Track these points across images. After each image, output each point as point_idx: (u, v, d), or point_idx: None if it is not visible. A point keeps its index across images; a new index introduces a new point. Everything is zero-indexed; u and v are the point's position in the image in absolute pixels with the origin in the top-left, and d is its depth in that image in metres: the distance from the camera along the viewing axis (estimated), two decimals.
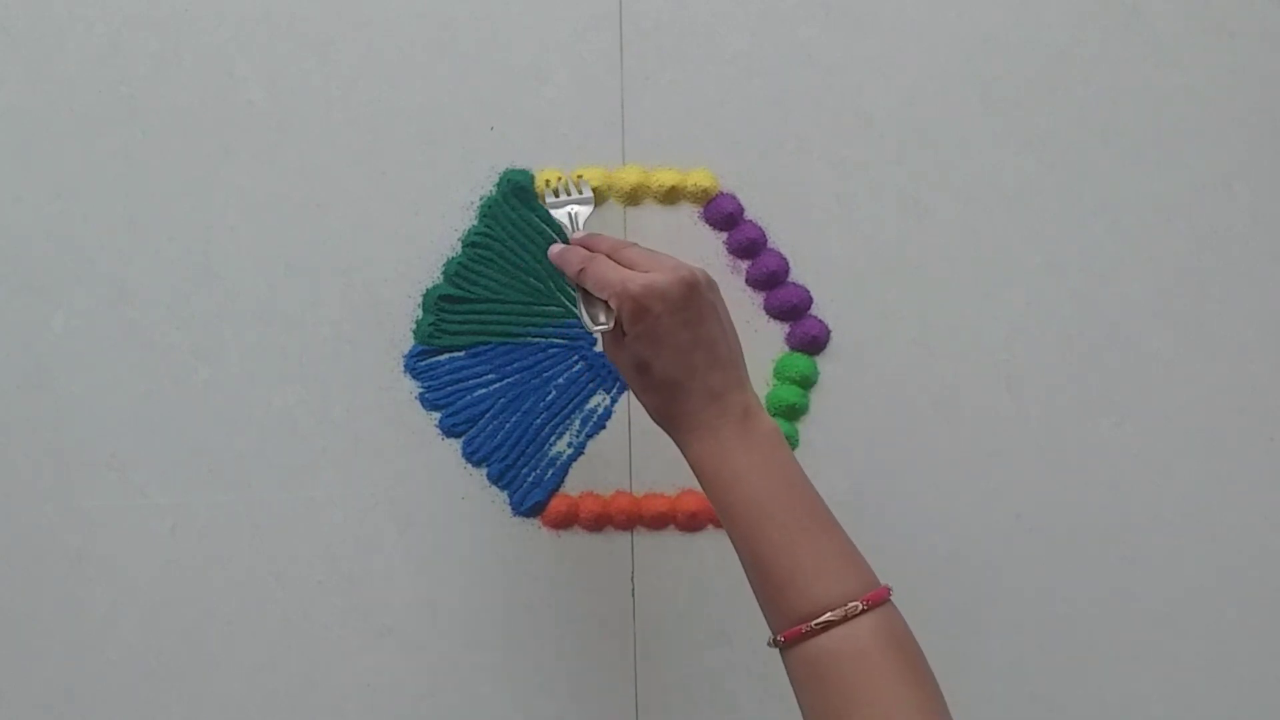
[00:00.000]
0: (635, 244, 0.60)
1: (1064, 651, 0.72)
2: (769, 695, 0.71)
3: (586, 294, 0.58)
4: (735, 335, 0.58)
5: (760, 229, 0.70)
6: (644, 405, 0.58)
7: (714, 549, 0.71)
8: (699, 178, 0.69)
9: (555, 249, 0.62)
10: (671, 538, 0.71)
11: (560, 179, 0.67)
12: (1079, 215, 0.71)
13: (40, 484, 0.69)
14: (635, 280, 0.55)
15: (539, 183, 0.68)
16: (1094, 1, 0.71)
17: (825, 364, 0.71)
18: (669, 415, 0.57)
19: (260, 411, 0.69)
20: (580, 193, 0.66)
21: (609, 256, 0.58)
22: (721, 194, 0.70)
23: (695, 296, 0.55)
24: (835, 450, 0.71)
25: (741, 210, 0.70)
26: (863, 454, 0.71)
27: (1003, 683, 0.72)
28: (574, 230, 0.65)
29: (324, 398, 0.69)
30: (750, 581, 0.55)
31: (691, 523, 0.70)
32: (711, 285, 0.57)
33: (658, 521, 0.70)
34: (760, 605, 0.54)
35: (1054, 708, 0.72)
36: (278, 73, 0.69)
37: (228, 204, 0.69)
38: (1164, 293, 0.72)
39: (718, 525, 0.70)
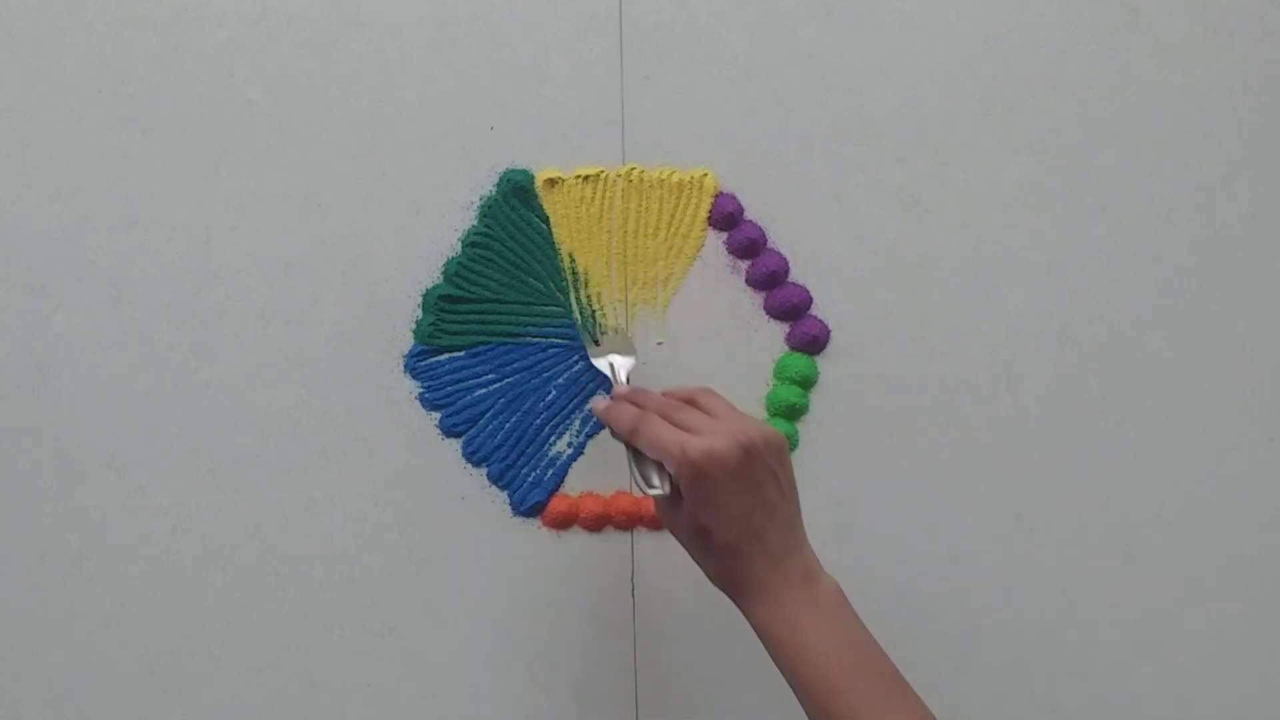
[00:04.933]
0: (686, 402, 0.58)
1: (1064, 651, 0.72)
2: (769, 695, 0.71)
3: (638, 452, 0.58)
4: (794, 494, 0.57)
5: (760, 229, 0.70)
6: (704, 570, 0.57)
7: None
8: (699, 178, 0.69)
9: (600, 404, 0.62)
10: (671, 538, 0.71)
11: (605, 328, 0.67)
12: (1079, 215, 0.71)
13: (40, 484, 0.69)
14: (694, 446, 0.54)
15: (580, 330, 0.68)
16: (1094, 1, 0.71)
17: (825, 364, 0.71)
18: (730, 580, 0.56)
19: (260, 411, 0.69)
20: (621, 340, 0.67)
21: (661, 415, 0.57)
22: (721, 194, 0.70)
23: (754, 461, 0.55)
24: (835, 450, 0.71)
25: (741, 210, 0.70)
26: (863, 454, 0.71)
27: (1003, 683, 0.72)
28: (616, 382, 0.64)
29: (324, 398, 0.69)
30: None
31: None
32: (770, 444, 0.56)
33: (658, 521, 0.70)
34: None
35: (1054, 708, 0.72)
36: (278, 73, 0.69)
37: (228, 204, 0.69)
38: (1164, 293, 0.72)
39: None
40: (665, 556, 0.71)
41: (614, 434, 0.61)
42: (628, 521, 0.70)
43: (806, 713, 0.54)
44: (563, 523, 0.70)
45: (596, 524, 0.70)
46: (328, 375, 0.69)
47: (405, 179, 0.69)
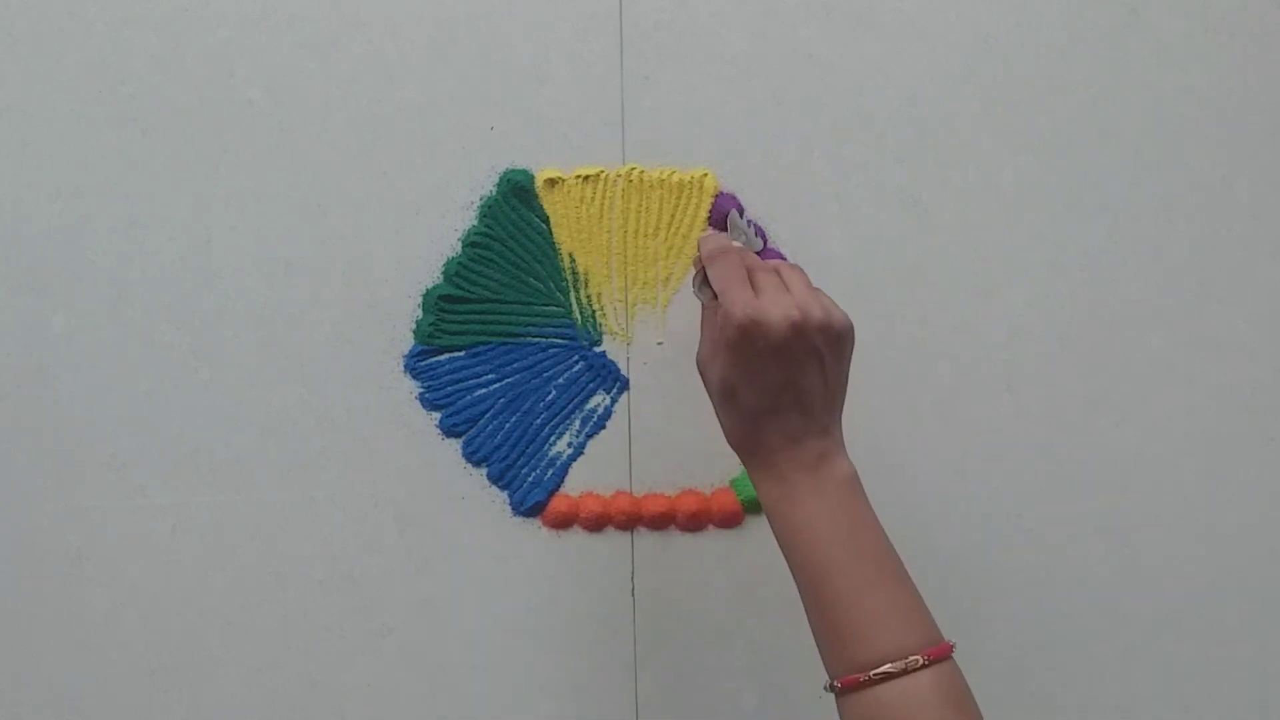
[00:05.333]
0: (776, 268, 0.59)
1: (1064, 651, 0.72)
2: (769, 696, 0.71)
3: (705, 278, 0.59)
4: (839, 383, 0.57)
5: (760, 229, 0.70)
6: (722, 427, 0.58)
7: (714, 549, 0.71)
8: (699, 178, 0.69)
9: (704, 235, 0.63)
10: (671, 538, 0.71)
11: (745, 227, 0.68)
12: (1079, 215, 0.71)
13: (40, 484, 0.69)
14: (745, 307, 0.55)
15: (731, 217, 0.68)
16: (1094, 1, 0.71)
17: None
18: (744, 446, 0.57)
19: (260, 411, 0.69)
20: (759, 238, 0.68)
21: (747, 267, 0.58)
22: (721, 194, 0.70)
23: (799, 340, 0.55)
24: None
25: (741, 210, 0.70)
26: (863, 454, 0.71)
27: (1003, 683, 0.72)
28: (734, 237, 0.65)
29: (324, 398, 0.69)
30: (811, 625, 0.54)
31: (692, 523, 0.70)
32: (827, 330, 0.55)
33: (658, 521, 0.70)
34: (819, 650, 0.54)
35: (1054, 708, 0.72)
36: (278, 73, 0.68)
37: (228, 204, 0.69)
38: (1164, 293, 0.72)
39: (718, 525, 0.70)
40: (665, 556, 0.71)
41: (694, 263, 0.61)
42: (628, 521, 0.70)
43: (799, 591, 0.55)
44: (563, 523, 0.70)
45: (596, 524, 0.70)
46: (328, 375, 0.69)
47: (405, 179, 0.69)
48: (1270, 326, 0.72)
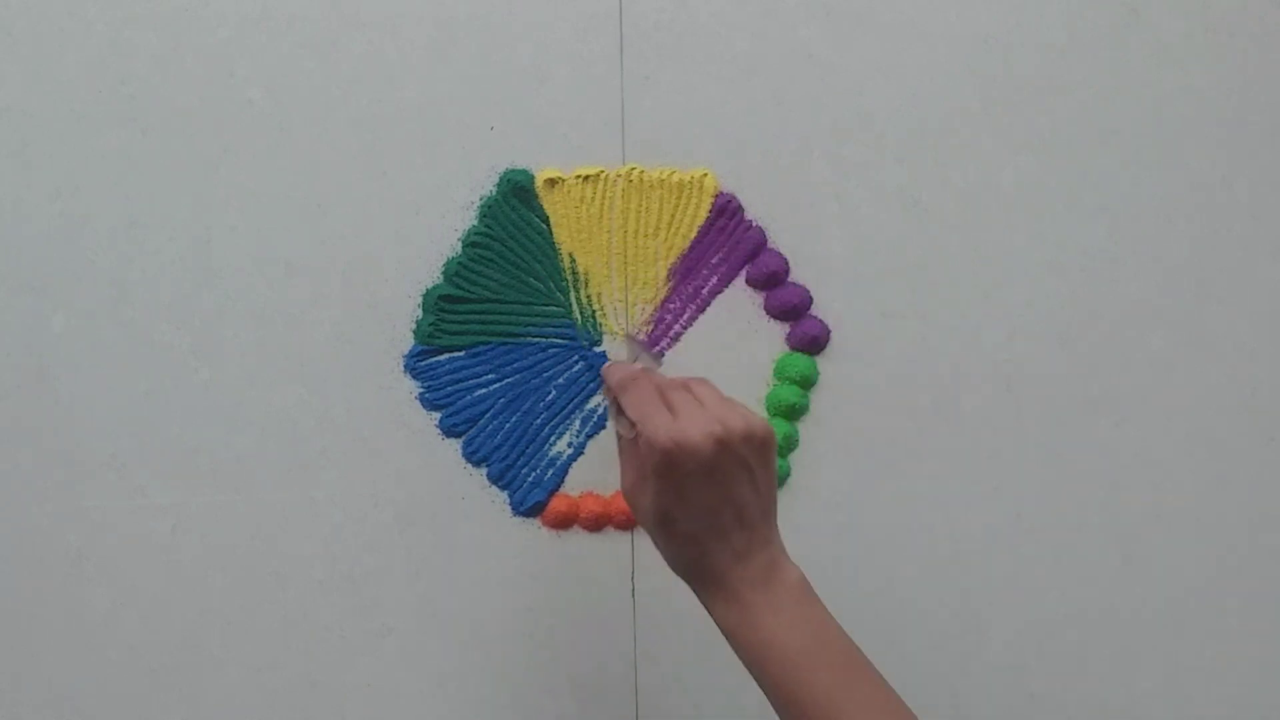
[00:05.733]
0: (687, 386, 0.58)
1: (1064, 651, 0.72)
2: None
3: (619, 409, 0.58)
4: (770, 490, 0.56)
5: (760, 229, 0.70)
6: (664, 556, 0.57)
7: None
8: (699, 178, 0.69)
9: (608, 365, 0.64)
10: None
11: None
12: (1079, 215, 0.71)
13: (40, 484, 0.69)
14: (666, 431, 0.53)
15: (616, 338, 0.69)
16: (1094, 1, 0.71)
17: (825, 364, 0.71)
18: (690, 572, 0.56)
19: (260, 411, 0.69)
20: (654, 357, 0.67)
21: (658, 389, 0.57)
22: (721, 194, 0.70)
23: (726, 455, 0.54)
24: (835, 450, 0.71)
25: (741, 210, 0.70)
26: (863, 454, 0.71)
27: (1003, 683, 0.72)
28: (631, 359, 0.65)
29: (324, 398, 0.69)
30: None
31: None
32: (750, 438, 0.54)
33: None
34: None
35: (1054, 708, 0.72)
36: (278, 73, 0.69)
37: (228, 204, 0.69)
38: (1164, 293, 0.72)
39: None
40: None
41: (607, 393, 0.60)
42: (628, 521, 0.70)
43: (773, 706, 0.54)
44: (563, 523, 0.70)
45: (596, 524, 0.70)
46: (328, 375, 0.69)
47: (405, 179, 0.69)
48: (1270, 326, 0.72)
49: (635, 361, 0.64)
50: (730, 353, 0.70)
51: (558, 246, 0.70)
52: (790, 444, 0.70)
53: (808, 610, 0.54)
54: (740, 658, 0.54)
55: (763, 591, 0.54)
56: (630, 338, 0.69)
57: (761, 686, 0.54)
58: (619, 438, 0.59)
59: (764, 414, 0.71)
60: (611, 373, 0.61)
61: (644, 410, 0.55)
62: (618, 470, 0.70)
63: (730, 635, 0.54)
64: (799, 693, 0.52)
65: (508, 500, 0.70)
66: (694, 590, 0.56)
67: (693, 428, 0.53)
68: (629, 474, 0.57)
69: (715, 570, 0.54)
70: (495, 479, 0.70)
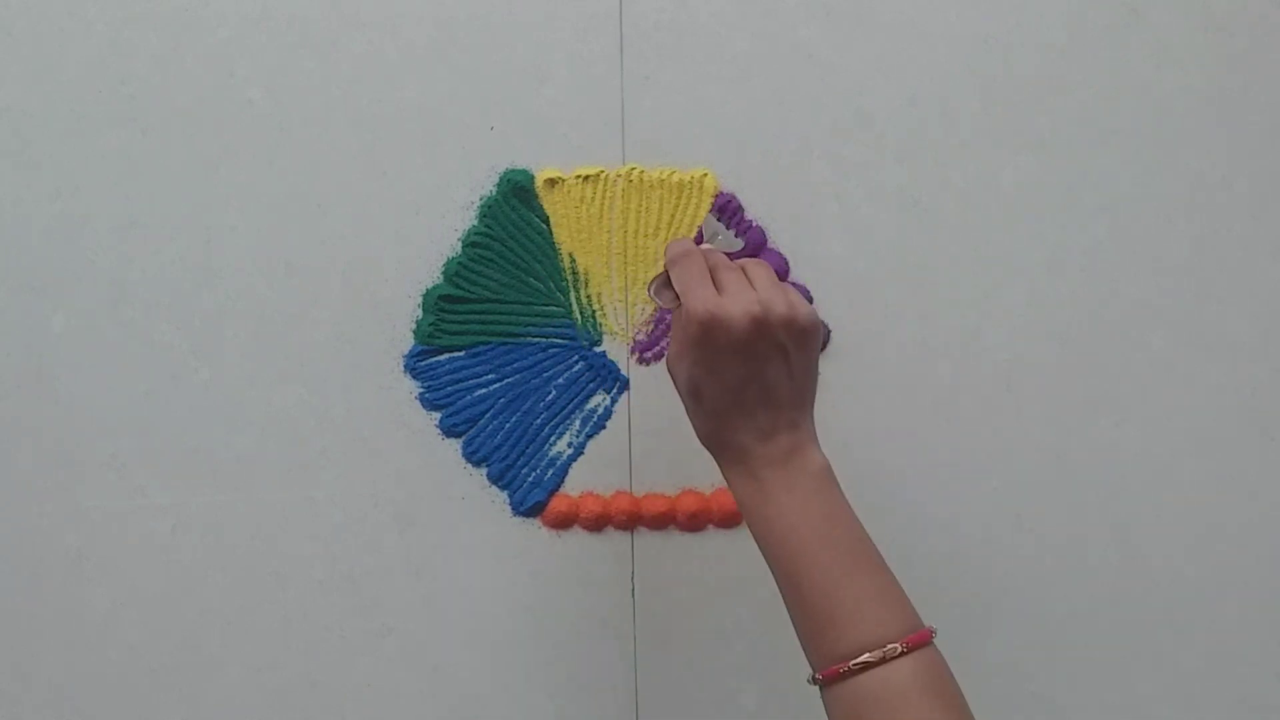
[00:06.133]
0: (743, 265, 0.58)
1: (1064, 651, 0.72)
2: (769, 696, 0.71)
3: (667, 279, 0.59)
4: (806, 378, 0.57)
5: (760, 229, 0.70)
6: (693, 425, 0.58)
7: (714, 549, 0.71)
8: (699, 178, 0.69)
9: (671, 241, 0.63)
10: (671, 538, 0.71)
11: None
12: (1079, 215, 0.71)
13: (40, 484, 0.69)
14: (705, 303, 0.54)
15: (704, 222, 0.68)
16: (1094, 1, 0.71)
17: (825, 364, 0.71)
18: (714, 443, 0.57)
19: (260, 411, 0.69)
20: (736, 241, 0.67)
21: (710, 267, 0.58)
22: (721, 194, 0.70)
23: (761, 336, 0.54)
24: (835, 450, 0.70)
25: (741, 210, 0.70)
26: (863, 454, 0.71)
27: (1003, 683, 0.72)
28: (710, 236, 0.65)
29: (324, 398, 0.69)
30: (791, 619, 0.54)
31: (692, 523, 0.70)
32: (791, 324, 0.55)
33: (658, 521, 0.70)
34: (801, 643, 0.54)
35: (1054, 708, 0.72)
36: (278, 73, 0.69)
37: (228, 204, 0.69)
38: (1164, 293, 0.72)
39: (718, 525, 0.71)
40: (665, 556, 0.71)
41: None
42: (628, 521, 0.70)
43: (777, 586, 0.54)
44: (563, 523, 0.70)
45: (596, 524, 0.70)
46: (328, 375, 0.69)
47: (405, 179, 0.69)
48: (1270, 326, 0.72)
49: (716, 237, 0.64)
50: None
51: (558, 246, 0.70)
52: None
53: (824, 494, 0.55)
54: (751, 531, 0.55)
55: (781, 470, 0.55)
56: (711, 215, 0.68)
57: (767, 560, 0.55)
58: (673, 312, 0.59)
59: None
60: (671, 247, 0.60)
61: (689, 283, 0.56)
62: (617, 469, 0.70)
63: (743, 507, 0.56)
64: (799, 572, 0.53)
65: (508, 500, 0.70)
66: (717, 461, 0.57)
67: (733, 304, 0.54)
68: (674, 344, 0.58)
69: (738, 445, 0.55)
70: (495, 479, 0.70)
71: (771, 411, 0.55)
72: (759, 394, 0.55)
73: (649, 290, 0.60)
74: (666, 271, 0.59)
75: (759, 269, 0.58)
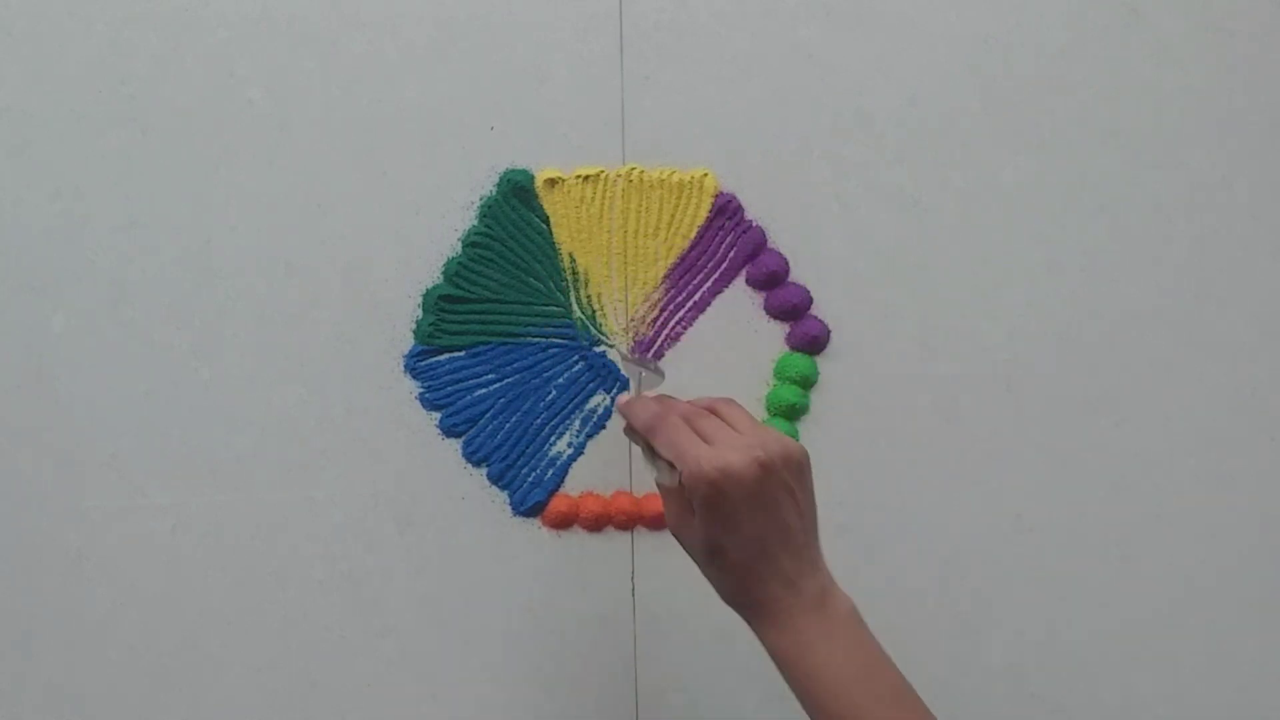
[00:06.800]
0: (714, 410, 0.57)
1: (1064, 651, 0.72)
2: (769, 695, 0.71)
3: (651, 449, 0.57)
4: (812, 513, 0.56)
5: (760, 229, 0.70)
6: (715, 588, 0.56)
7: None
8: (699, 178, 0.69)
9: (623, 399, 0.61)
10: (672, 538, 0.71)
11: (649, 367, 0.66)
12: (1079, 215, 0.71)
13: (40, 484, 0.69)
14: (710, 460, 0.53)
15: (618, 349, 0.68)
16: (1094, 1, 0.71)
17: (825, 364, 0.71)
18: (743, 601, 0.55)
19: (260, 411, 0.69)
20: (654, 370, 0.65)
21: (683, 419, 0.56)
22: (721, 194, 0.70)
23: (771, 480, 0.53)
24: (835, 450, 0.71)
25: (741, 210, 0.70)
26: (863, 454, 0.71)
27: (1003, 683, 0.72)
28: (638, 390, 0.63)
29: (324, 398, 0.69)
30: None
31: None
32: (790, 461, 0.54)
33: (658, 521, 0.70)
34: None
35: (1054, 708, 0.72)
36: (278, 73, 0.69)
37: (228, 204, 0.69)
38: (1164, 293, 0.72)
39: None
40: (665, 556, 0.71)
41: (629, 432, 0.60)
42: (628, 521, 0.70)
43: None
44: (563, 523, 0.70)
45: (596, 524, 0.70)
46: (328, 375, 0.69)
47: (405, 179, 0.69)
48: (1270, 326, 0.72)
49: (640, 382, 0.63)
50: (730, 353, 0.70)
51: (558, 246, 0.70)
52: None
53: (860, 640, 0.54)
54: (790, 685, 0.54)
55: (815, 618, 0.54)
56: (625, 358, 0.69)
57: (807, 709, 0.53)
58: (658, 483, 0.58)
59: (764, 415, 0.71)
60: (634, 414, 0.59)
61: (680, 447, 0.55)
62: (617, 469, 0.70)
63: (782, 662, 0.54)
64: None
65: (508, 500, 0.70)
66: (746, 620, 0.56)
67: (733, 454, 0.53)
68: (672, 510, 0.57)
69: (767, 598, 0.54)
70: (495, 479, 0.70)
71: (793, 555, 0.54)
72: (779, 540, 0.54)
73: (654, 479, 0.58)
74: (646, 449, 0.58)
75: (731, 408, 0.57)
